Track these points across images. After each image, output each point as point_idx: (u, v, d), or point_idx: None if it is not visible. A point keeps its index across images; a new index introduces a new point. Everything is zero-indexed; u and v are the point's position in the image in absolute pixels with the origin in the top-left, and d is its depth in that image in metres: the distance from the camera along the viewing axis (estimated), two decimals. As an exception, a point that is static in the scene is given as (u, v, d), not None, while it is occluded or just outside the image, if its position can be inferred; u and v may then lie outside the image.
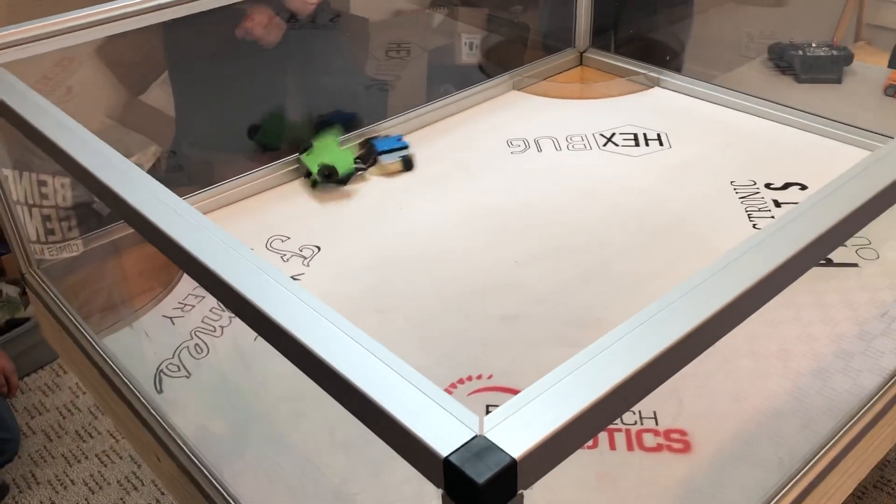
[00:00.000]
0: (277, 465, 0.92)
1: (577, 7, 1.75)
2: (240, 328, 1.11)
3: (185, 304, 1.18)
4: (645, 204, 1.33)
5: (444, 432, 0.45)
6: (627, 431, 0.92)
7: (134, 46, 2.09)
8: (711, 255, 0.61)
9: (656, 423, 0.93)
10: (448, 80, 2.09)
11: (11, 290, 2.18)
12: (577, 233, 1.27)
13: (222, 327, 1.13)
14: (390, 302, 1.14)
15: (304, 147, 1.44)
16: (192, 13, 1.24)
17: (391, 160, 1.45)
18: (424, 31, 2.37)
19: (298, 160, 1.44)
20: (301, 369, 0.54)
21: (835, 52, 1.73)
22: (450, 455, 0.44)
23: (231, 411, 1.02)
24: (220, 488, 0.88)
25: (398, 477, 0.88)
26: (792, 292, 0.62)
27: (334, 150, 1.43)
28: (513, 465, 0.43)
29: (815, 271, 1.13)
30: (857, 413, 0.91)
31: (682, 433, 0.91)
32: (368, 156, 1.47)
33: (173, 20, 1.23)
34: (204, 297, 1.18)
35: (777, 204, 1.30)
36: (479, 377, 1.00)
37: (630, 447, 0.90)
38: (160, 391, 1.04)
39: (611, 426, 0.92)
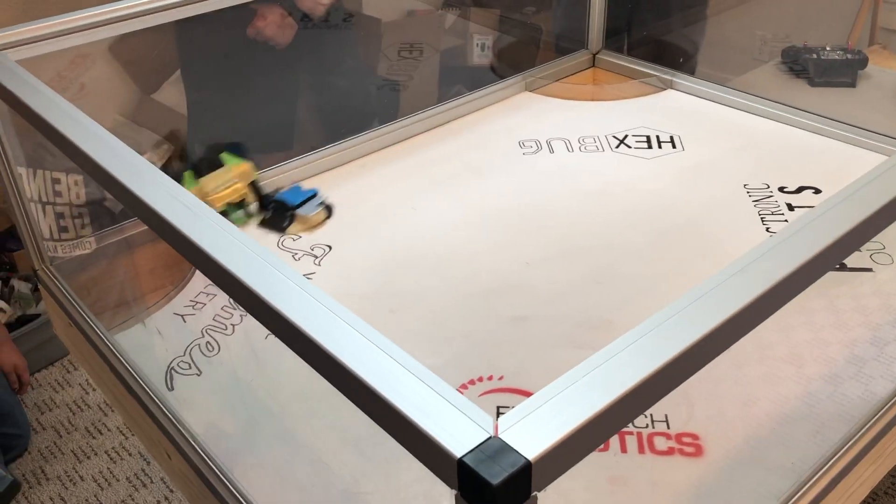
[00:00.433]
0: (288, 463, 0.92)
1: (590, 8, 1.74)
2: (251, 326, 1.11)
3: (197, 302, 1.18)
4: (657, 206, 1.32)
5: (458, 433, 0.45)
6: (639, 434, 0.92)
7: (147, 45, 2.10)
8: (724, 259, 0.61)
9: (668, 427, 0.92)
10: (460, 81, 2.09)
11: (23, 287, 2.20)
12: (589, 234, 1.26)
13: (234, 325, 1.13)
14: (400, 302, 1.14)
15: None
16: (205, 12, 1.25)
17: (313, 212, 1.32)
18: (437, 31, 2.37)
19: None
20: (314, 368, 0.54)
21: (849, 56, 1.72)
22: (464, 456, 0.44)
23: (242, 409, 1.02)
24: (230, 486, 0.88)
25: (409, 476, 0.88)
26: (804, 297, 0.61)
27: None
28: (527, 466, 0.43)
29: (828, 276, 1.12)
30: (870, 419, 0.91)
31: (694, 437, 0.91)
32: (275, 208, 1.33)
33: (186, 19, 1.23)
34: (215, 296, 1.19)
35: (791, 207, 1.29)
36: (490, 378, 1.00)
37: (641, 450, 0.90)
38: (171, 388, 1.04)
39: (622, 429, 0.92)
